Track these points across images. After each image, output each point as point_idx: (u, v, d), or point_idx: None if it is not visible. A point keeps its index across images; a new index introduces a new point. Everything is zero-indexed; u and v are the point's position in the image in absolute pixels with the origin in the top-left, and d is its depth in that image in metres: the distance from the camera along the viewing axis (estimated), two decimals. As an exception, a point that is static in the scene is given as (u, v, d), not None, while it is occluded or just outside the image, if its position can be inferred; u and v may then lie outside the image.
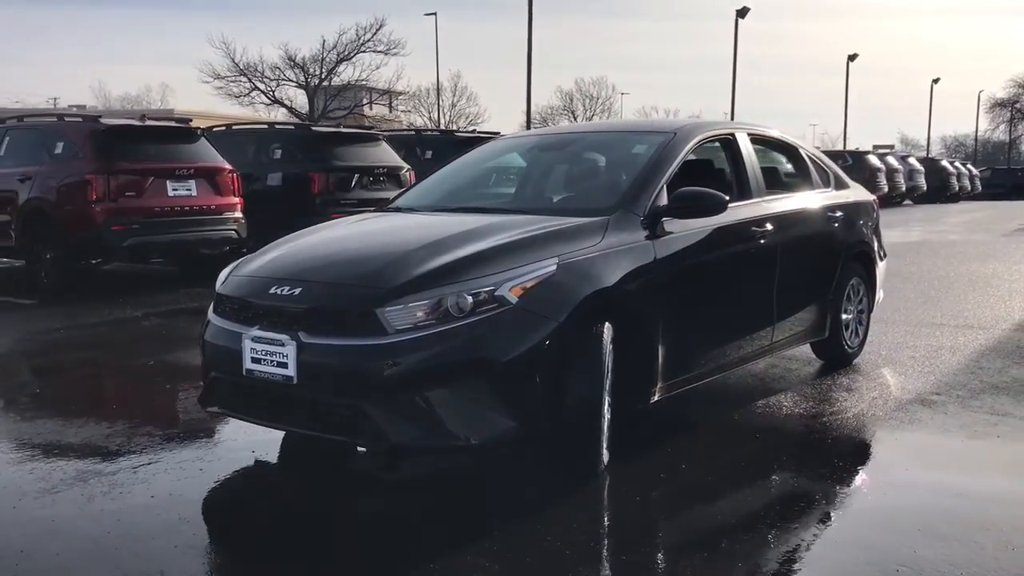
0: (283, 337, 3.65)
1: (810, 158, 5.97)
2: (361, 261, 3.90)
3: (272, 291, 3.81)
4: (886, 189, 28.24)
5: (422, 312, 3.54)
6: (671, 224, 4.35)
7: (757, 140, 5.44)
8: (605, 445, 3.92)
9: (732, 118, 33.51)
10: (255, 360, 3.75)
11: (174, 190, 9.76)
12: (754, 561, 3.13)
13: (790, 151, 5.95)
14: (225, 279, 4.19)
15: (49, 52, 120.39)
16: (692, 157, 4.91)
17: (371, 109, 52.68)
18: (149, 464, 4.08)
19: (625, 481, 3.87)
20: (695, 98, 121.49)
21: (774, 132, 5.91)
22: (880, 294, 6.40)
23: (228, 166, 10.36)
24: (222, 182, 10.23)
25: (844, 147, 50.65)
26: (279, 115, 44.32)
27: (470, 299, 3.56)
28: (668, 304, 4.24)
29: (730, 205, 4.63)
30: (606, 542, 3.33)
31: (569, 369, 3.70)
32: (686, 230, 4.42)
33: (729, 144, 5.16)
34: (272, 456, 4.26)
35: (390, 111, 57.48)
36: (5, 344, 6.95)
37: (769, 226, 4.98)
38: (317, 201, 11.24)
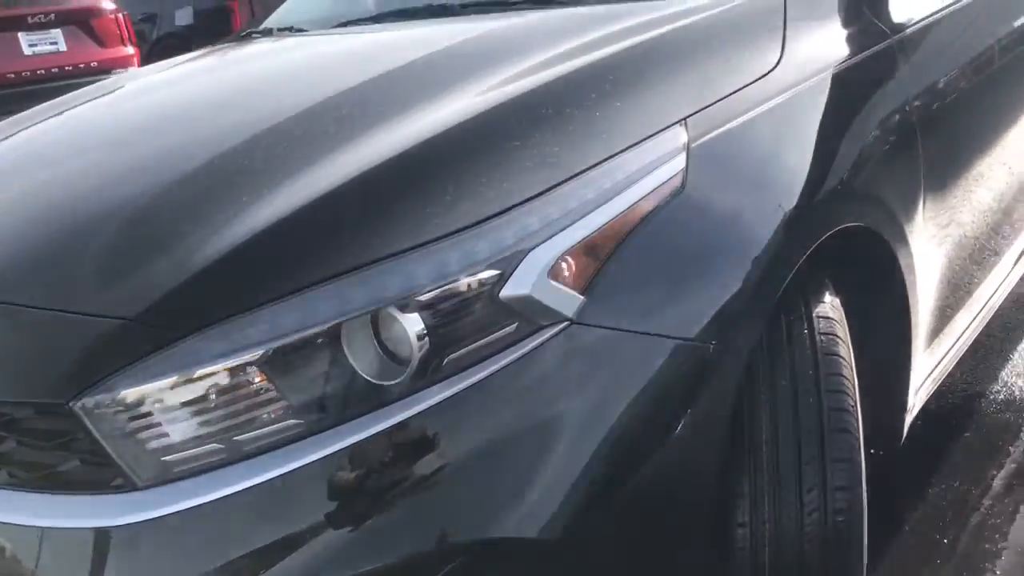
0: None
1: None
2: (59, 233, 1.24)
3: None
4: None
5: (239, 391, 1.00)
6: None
7: None
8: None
9: None
10: None
11: (32, 46, 7.01)
12: None
13: None
14: None
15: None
16: None
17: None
18: None
19: None
20: None
21: None
22: None
23: (110, 4, 7.56)
24: (102, 28, 7.41)
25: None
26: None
27: (414, 331, 0.98)
28: (931, 184, 1.67)
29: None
30: None
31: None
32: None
33: None
34: None
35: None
36: None
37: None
38: (243, 40, 8.53)
